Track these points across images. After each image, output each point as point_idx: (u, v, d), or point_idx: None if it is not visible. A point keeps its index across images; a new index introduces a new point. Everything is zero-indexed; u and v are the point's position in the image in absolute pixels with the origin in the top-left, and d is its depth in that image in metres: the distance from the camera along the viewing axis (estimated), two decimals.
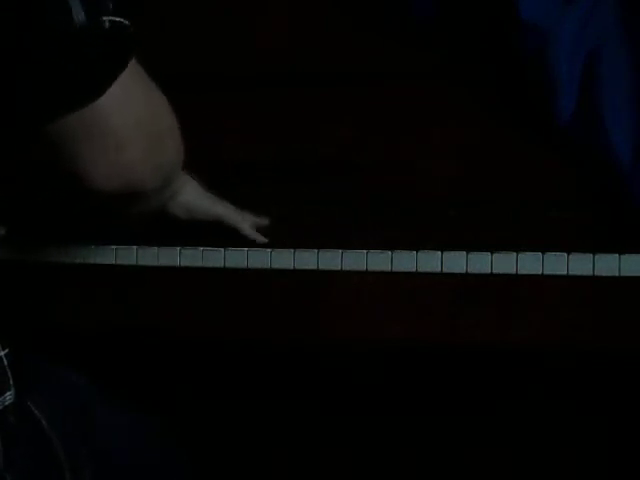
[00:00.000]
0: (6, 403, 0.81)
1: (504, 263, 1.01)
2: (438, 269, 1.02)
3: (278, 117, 1.11)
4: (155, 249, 1.07)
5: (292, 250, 1.05)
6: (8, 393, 0.81)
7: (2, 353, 0.81)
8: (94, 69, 0.73)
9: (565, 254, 1.00)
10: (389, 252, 1.03)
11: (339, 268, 1.04)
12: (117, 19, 0.73)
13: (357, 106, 1.10)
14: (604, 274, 0.99)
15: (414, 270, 1.03)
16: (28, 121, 0.75)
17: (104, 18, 0.72)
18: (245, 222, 1.08)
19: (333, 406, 1.43)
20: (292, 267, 1.05)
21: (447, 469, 1.44)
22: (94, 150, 0.77)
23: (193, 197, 1.05)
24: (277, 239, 1.06)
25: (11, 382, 0.81)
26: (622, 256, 1.00)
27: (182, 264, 1.07)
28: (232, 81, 1.12)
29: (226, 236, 1.07)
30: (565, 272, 1.00)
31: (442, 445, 1.43)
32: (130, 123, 0.78)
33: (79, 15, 0.70)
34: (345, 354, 1.34)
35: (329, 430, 1.44)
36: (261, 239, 1.07)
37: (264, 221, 1.08)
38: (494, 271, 1.01)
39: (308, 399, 1.43)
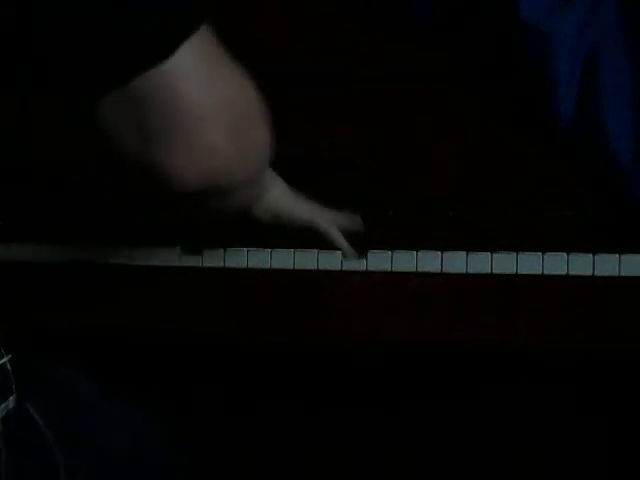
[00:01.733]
0: (9, 408, 0.81)
1: (504, 263, 1.01)
2: (438, 269, 1.02)
3: (278, 117, 1.11)
4: (156, 249, 1.07)
5: (292, 250, 1.05)
6: (11, 398, 0.81)
7: (5, 359, 0.81)
8: (159, 26, 0.66)
9: (565, 254, 1.01)
10: (389, 252, 1.03)
11: (339, 268, 1.04)
12: None
13: (357, 106, 1.10)
14: (604, 274, 1.00)
15: (414, 270, 1.03)
16: (96, 82, 0.68)
17: None
18: (335, 229, 1.00)
19: (333, 406, 1.43)
20: (292, 267, 1.05)
21: (447, 468, 1.44)
22: (174, 137, 0.70)
23: (281, 199, 0.97)
24: (277, 239, 1.06)
25: (14, 387, 0.81)
26: (622, 256, 1.00)
27: (182, 264, 1.07)
28: None
29: (226, 236, 1.07)
30: (565, 272, 1.00)
31: (442, 444, 1.43)
32: (211, 104, 0.71)
33: None
34: (345, 354, 1.34)
35: (329, 430, 1.44)
36: (352, 253, 1.02)
37: (357, 222, 1.03)
38: (494, 271, 1.01)
39: (308, 399, 1.43)
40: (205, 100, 0.71)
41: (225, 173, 0.75)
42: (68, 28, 0.65)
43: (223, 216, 0.93)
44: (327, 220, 1.01)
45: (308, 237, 1.02)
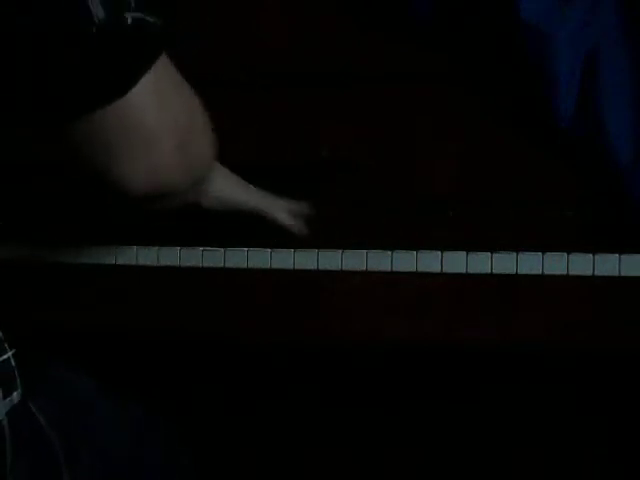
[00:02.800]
0: (14, 403, 0.81)
1: (504, 263, 1.01)
2: (438, 269, 1.02)
3: (278, 117, 1.11)
4: (155, 249, 1.07)
5: (292, 250, 1.05)
6: (15, 393, 0.81)
7: (9, 353, 0.82)
8: (117, 67, 0.71)
9: (565, 254, 1.00)
10: (389, 252, 1.03)
11: (339, 268, 1.04)
12: (140, 16, 0.71)
13: (357, 106, 1.10)
14: (604, 274, 0.99)
15: (414, 270, 1.03)
16: (53, 118, 0.73)
17: (126, 15, 0.70)
18: (281, 210, 1.04)
19: (333, 406, 1.43)
20: (292, 267, 1.05)
21: (447, 468, 1.44)
22: (124, 150, 0.76)
23: (225, 188, 1.01)
24: (277, 239, 1.06)
25: (18, 382, 0.82)
26: (622, 256, 1.00)
27: (182, 264, 1.07)
28: (231, 81, 1.12)
29: (226, 236, 1.07)
30: (565, 272, 1.00)
31: (442, 444, 1.43)
32: (160, 123, 0.77)
33: (98, 12, 0.68)
34: (345, 354, 1.34)
35: (329, 430, 1.44)
36: (298, 227, 1.04)
37: (302, 207, 1.05)
38: (494, 271, 1.01)
39: (308, 399, 1.43)
40: (157, 123, 0.77)
41: (172, 183, 0.81)
42: (41, 66, 0.70)
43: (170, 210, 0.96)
44: (272, 204, 1.04)
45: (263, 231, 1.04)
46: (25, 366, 0.84)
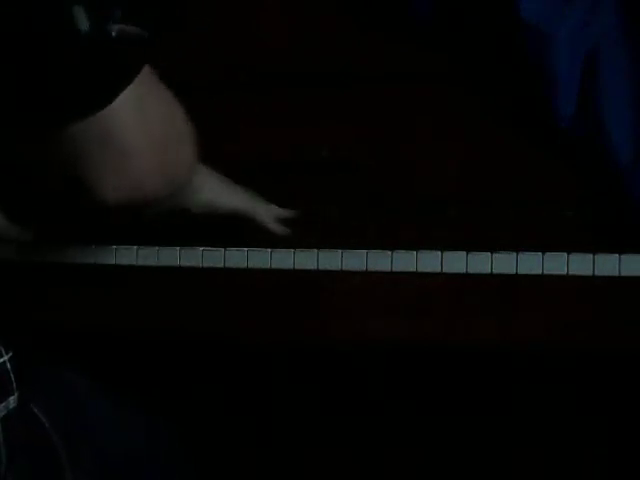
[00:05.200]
0: (10, 407, 0.81)
1: (504, 263, 1.01)
2: (438, 269, 1.02)
3: (278, 117, 1.11)
4: (155, 249, 1.07)
5: (292, 250, 1.05)
6: (11, 397, 0.81)
7: (6, 357, 0.82)
8: (100, 79, 0.71)
9: (565, 254, 1.00)
10: (389, 252, 1.03)
11: (339, 268, 1.04)
12: (126, 27, 0.71)
13: (357, 106, 1.10)
14: (604, 274, 0.99)
15: (414, 270, 1.03)
16: (34, 127, 0.74)
17: (111, 26, 0.70)
18: (266, 215, 1.04)
19: (333, 406, 1.43)
20: (292, 267, 1.05)
21: (447, 468, 1.44)
22: (102, 159, 0.75)
23: (213, 194, 1.00)
24: (277, 239, 1.06)
25: (14, 386, 0.82)
26: (622, 256, 1.00)
27: (182, 264, 1.07)
28: (232, 81, 1.12)
29: (226, 235, 1.07)
30: (565, 272, 1.00)
31: (442, 445, 1.43)
32: (139, 134, 0.76)
33: (83, 24, 0.68)
34: (345, 354, 1.34)
35: (329, 430, 1.44)
36: (282, 231, 1.04)
37: (288, 213, 1.05)
38: (494, 271, 1.01)
39: (308, 399, 1.43)
40: (136, 135, 0.76)
41: (151, 194, 0.81)
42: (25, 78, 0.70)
43: (155, 216, 0.97)
44: (258, 207, 1.04)
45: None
46: (25, 367, 0.84)
